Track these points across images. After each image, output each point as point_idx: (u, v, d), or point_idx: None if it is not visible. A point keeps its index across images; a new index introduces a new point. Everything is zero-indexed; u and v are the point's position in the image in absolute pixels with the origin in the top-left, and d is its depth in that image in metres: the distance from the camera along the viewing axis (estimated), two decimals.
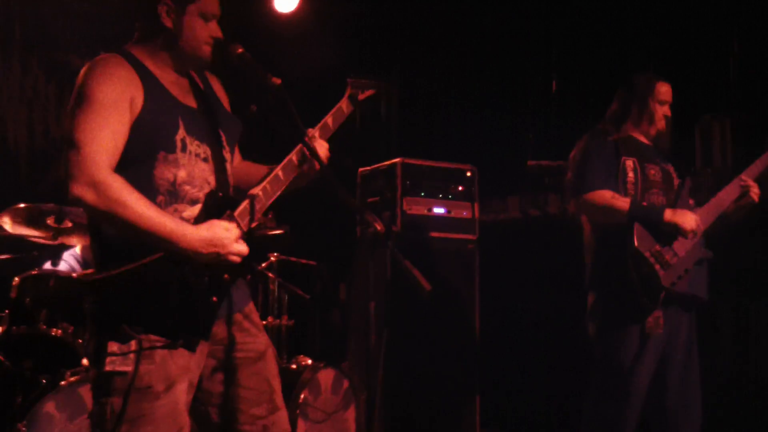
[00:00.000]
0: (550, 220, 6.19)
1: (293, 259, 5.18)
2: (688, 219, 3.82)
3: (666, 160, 4.08)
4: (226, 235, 2.54)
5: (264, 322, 4.88)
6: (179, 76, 2.77)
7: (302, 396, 4.64)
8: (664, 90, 4.04)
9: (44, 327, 4.21)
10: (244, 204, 2.65)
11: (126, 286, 2.45)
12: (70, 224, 4.56)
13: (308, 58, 6.50)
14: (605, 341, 3.92)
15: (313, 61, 6.44)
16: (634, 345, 3.81)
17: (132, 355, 2.46)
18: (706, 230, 3.92)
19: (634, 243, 3.76)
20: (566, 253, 4.62)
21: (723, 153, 5.56)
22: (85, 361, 4.07)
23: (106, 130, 2.49)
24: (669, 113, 4.06)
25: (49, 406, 3.76)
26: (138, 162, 2.56)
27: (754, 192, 3.96)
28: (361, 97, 3.03)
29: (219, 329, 2.70)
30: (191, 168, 2.65)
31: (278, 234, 4.74)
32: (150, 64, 2.69)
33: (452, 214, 5.63)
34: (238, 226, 2.60)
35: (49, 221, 4.54)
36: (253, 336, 2.81)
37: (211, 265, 2.54)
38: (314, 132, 2.86)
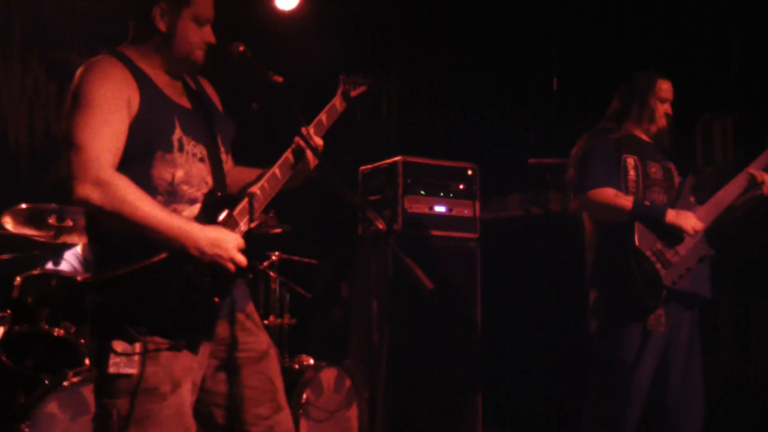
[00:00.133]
0: (551, 218, 6.18)
1: (295, 257, 5.18)
2: (690, 221, 3.81)
3: (667, 158, 4.08)
4: (230, 240, 2.54)
5: (266, 322, 4.89)
6: (172, 78, 2.77)
7: (305, 395, 4.65)
8: (665, 87, 4.04)
9: (46, 326, 4.22)
10: (243, 203, 2.65)
11: (129, 286, 2.45)
12: (71, 223, 4.56)
13: (308, 56, 6.50)
14: (606, 339, 3.92)
15: (314, 59, 6.43)
16: (635, 343, 3.81)
17: (137, 357, 2.46)
18: (709, 227, 3.91)
19: (635, 241, 3.76)
20: (568, 251, 4.63)
21: (724, 151, 5.56)
22: (88, 362, 4.08)
23: (106, 129, 2.50)
24: (670, 111, 4.06)
25: (52, 406, 3.77)
26: (136, 162, 2.57)
27: (767, 187, 3.94)
28: (353, 94, 3.05)
29: (221, 329, 2.70)
30: (189, 168, 2.66)
31: (278, 233, 4.75)
32: (144, 66, 2.69)
33: (453, 213, 5.63)
34: (239, 231, 2.60)
35: (51, 220, 4.55)
36: (255, 335, 2.82)
37: (213, 266, 2.54)
38: (309, 129, 2.86)
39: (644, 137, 4.05)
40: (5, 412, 3.85)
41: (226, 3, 2.79)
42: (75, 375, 3.89)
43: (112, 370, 2.46)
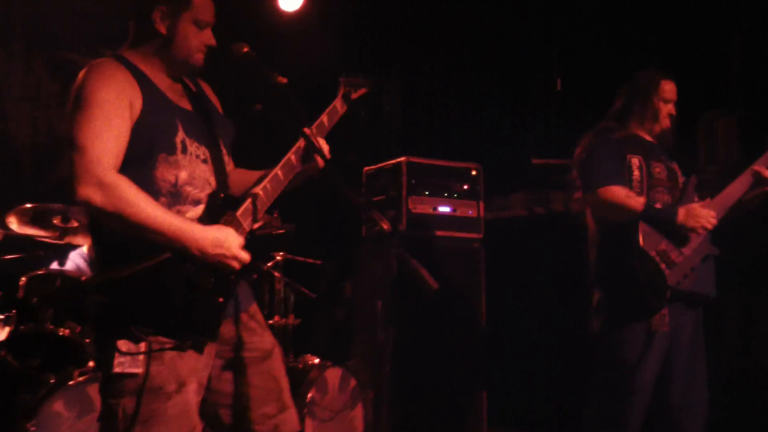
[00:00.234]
0: (554, 218, 6.19)
1: (299, 258, 5.19)
2: (700, 219, 3.80)
3: (671, 158, 4.08)
4: (232, 239, 2.55)
5: (270, 322, 4.89)
6: (173, 80, 2.78)
7: (310, 395, 4.65)
8: (668, 88, 4.04)
9: (51, 326, 4.23)
10: (246, 204, 2.66)
11: (133, 287, 2.45)
12: (76, 224, 4.57)
13: (310, 56, 6.51)
14: (610, 338, 3.92)
15: (316, 59, 6.44)
16: (638, 343, 3.80)
17: (142, 357, 2.47)
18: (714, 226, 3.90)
19: (639, 242, 3.76)
20: (571, 250, 4.63)
21: (727, 150, 5.56)
22: (92, 362, 4.09)
23: (109, 131, 2.50)
24: (674, 111, 4.05)
25: (58, 405, 3.78)
26: (139, 164, 2.57)
27: None
28: (354, 96, 3.06)
29: (226, 329, 2.71)
30: (192, 169, 2.67)
31: (282, 233, 4.76)
32: (145, 68, 2.70)
33: (457, 213, 5.63)
34: (242, 230, 2.61)
35: (56, 221, 4.55)
36: (259, 335, 2.83)
37: (216, 266, 2.55)
38: (311, 131, 2.87)
39: (648, 137, 4.05)
40: (11, 411, 3.86)
41: (229, 3, 2.79)
42: (80, 374, 3.90)
43: (117, 369, 2.47)
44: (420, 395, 5.26)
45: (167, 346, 2.50)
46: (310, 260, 5.29)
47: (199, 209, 2.63)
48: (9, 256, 4.52)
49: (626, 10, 6.18)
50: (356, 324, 5.91)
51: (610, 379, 3.90)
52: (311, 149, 2.76)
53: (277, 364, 2.86)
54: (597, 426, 3.92)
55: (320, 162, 2.79)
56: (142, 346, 2.47)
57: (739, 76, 5.68)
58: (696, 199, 3.96)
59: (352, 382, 4.95)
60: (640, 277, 3.74)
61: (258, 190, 2.69)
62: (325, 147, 2.85)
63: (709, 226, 3.81)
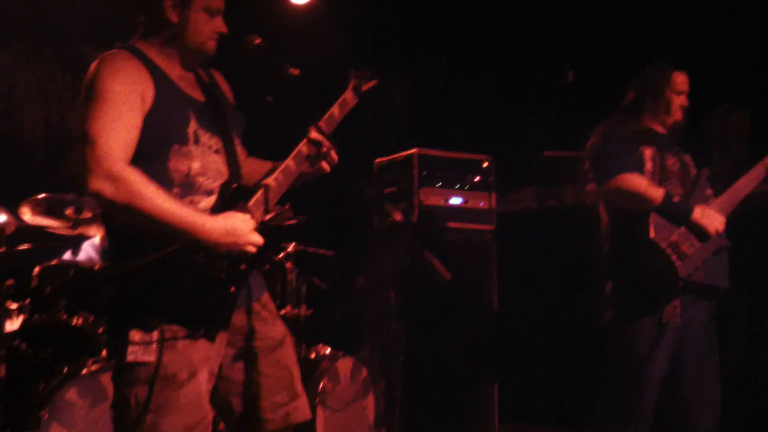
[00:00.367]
0: (566, 211, 6.18)
1: (310, 249, 5.20)
2: (714, 222, 3.79)
3: (683, 150, 4.07)
4: (242, 226, 2.56)
5: (283, 312, 4.91)
6: (185, 70, 2.78)
7: (321, 384, 4.67)
8: (680, 80, 4.02)
9: (65, 316, 4.25)
10: (258, 194, 2.67)
11: (146, 277, 2.47)
12: (89, 215, 4.58)
13: (320, 49, 6.51)
14: (621, 330, 3.91)
15: (326, 52, 6.44)
16: (650, 334, 3.79)
17: (154, 346, 2.49)
18: (727, 218, 3.89)
19: (650, 234, 3.75)
20: (582, 243, 4.63)
21: (740, 143, 5.54)
22: (106, 351, 4.12)
23: (120, 124, 2.51)
24: (686, 103, 4.04)
25: (71, 394, 3.80)
26: (152, 155, 2.58)
27: None
28: (364, 88, 3.07)
29: (238, 318, 2.73)
30: (205, 160, 2.67)
31: (294, 224, 4.77)
32: (157, 59, 2.71)
33: (469, 205, 5.63)
34: (252, 216, 2.62)
35: (69, 212, 4.56)
36: (271, 324, 2.84)
37: (229, 255, 2.56)
38: (322, 123, 2.87)
39: (660, 129, 4.04)
40: (25, 400, 3.88)
41: None
42: (93, 363, 3.92)
43: (130, 358, 2.49)
44: (431, 386, 5.27)
45: (179, 334, 2.52)
46: (321, 251, 5.30)
47: (212, 199, 2.64)
48: (22, 247, 4.54)
49: (638, 2, 6.16)
50: (367, 315, 5.92)
51: (621, 371, 3.89)
52: (324, 141, 2.77)
53: (289, 354, 2.88)
54: (607, 419, 3.92)
55: (333, 153, 2.80)
56: (155, 335, 2.49)
57: (752, 70, 5.65)
58: (709, 192, 3.95)
59: (364, 373, 4.97)
60: (651, 269, 3.74)
61: (269, 181, 2.70)
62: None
63: (713, 233, 3.80)
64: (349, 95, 3.02)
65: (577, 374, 5.64)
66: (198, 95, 2.77)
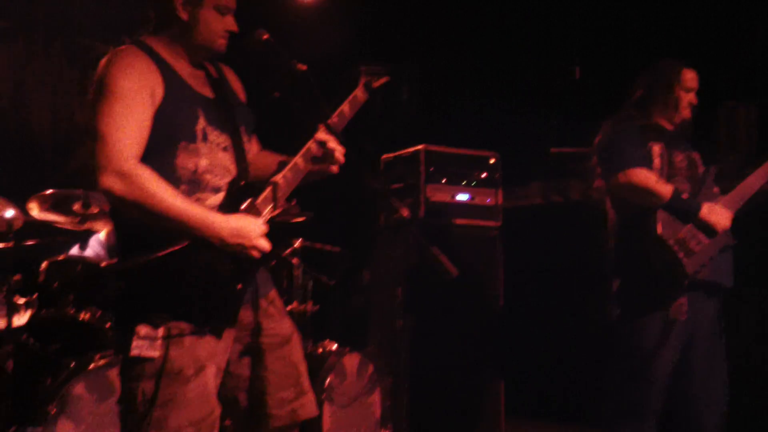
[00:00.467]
0: (572, 207, 6.18)
1: (317, 245, 5.20)
2: (722, 220, 3.79)
3: (692, 147, 4.06)
4: (253, 228, 2.57)
5: (289, 308, 4.91)
6: (194, 67, 2.78)
7: (328, 380, 4.67)
8: (689, 76, 4.00)
9: (72, 311, 4.26)
10: (266, 192, 2.67)
11: (153, 274, 2.48)
12: (96, 210, 4.58)
13: (328, 44, 6.50)
14: (628, 327, 3.91)
15: (333, 47, 6.43)
16: (656, 331, 3.79)
17: (159, 341, 2.50)
18: (734, 216, 3.88)
19: (657, 230, 3.74)
20: (588, 239, 4.62)
21: (748, 139, 5.53)
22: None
23: (130, 120, 2.52)
24: (695, 100, 4.02)
25: (79, 388, 3.80)
26: (160, 152, 2.59)
27: None
28: (375, 84, 3.05)
29: (245, 315, 2.73)
30: (212, 157, 2.67)
31: (300, 220, 4.77)
32: (167, 56, 2.71)
33: (475, 201, 5.63)
34: (263, 218, 2.62)
35: (76, 207, 4.57)
36: (278, 321, 2.84)
37: (236, 255, 2.56)
38: (332, 120, 2.87)
39: (668, 126, 4.03)
40: (32, 394, 3.89)
41: None
42: (101, 358, 3.93)
43: (134, 353, 2.50)
44: (437, 382, 5.27)
45: (186, 331, 2.53)
46: (328, 247, 5.30)
47: (219, 197, 2.65)
48: (30, 242, 4.55)
49: None
50: (374, 311, 5.92)
51: (628, 368, 3.89)
52: (332, 136, 2.76)
53: (296, 350, 2.88)
54: (615, 415, 3.91)
55: (340, 149, 2.79)
56: (161, 331, 2.50)
57: (761, 65, 5.64)
58: (715, 190, 3.94)
59: (370, 369, 4.97)
60: (658, 266, 3.73)
61: (278, 178, 2.70)
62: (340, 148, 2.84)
63: (721, 230, 3.79)
64: (359, 92, 3.00)
65: (583, 370, 5.65)
66: (207, 92, 2.77)
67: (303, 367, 2.89)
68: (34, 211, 4.52)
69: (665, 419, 3.91)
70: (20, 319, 4.30)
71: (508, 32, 6.99)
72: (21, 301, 4.36)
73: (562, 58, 6.86)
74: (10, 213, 4.23)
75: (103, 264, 4.48)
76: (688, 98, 4.00)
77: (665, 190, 3.77)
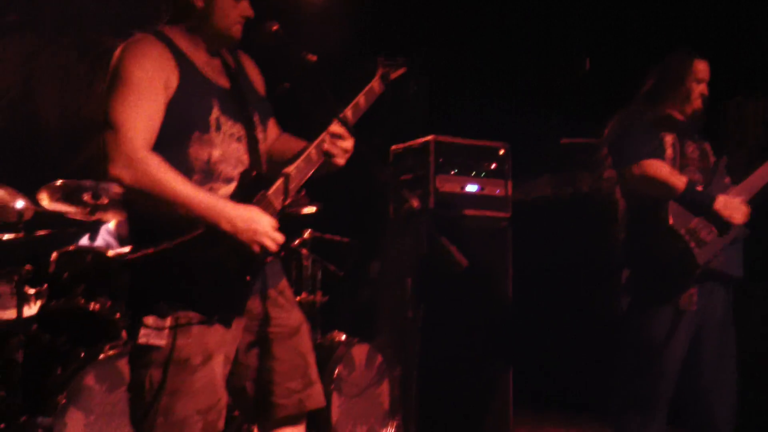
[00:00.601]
0: (582, 198, 6.17)
1: (326, 235, 5.21)
2: (737, 214, 3.77)
3: (703, 138, 4.04)
4: (266, 220, 2.56)
5: (298, 299, 4.92)
6: (211, 56, 2.78)
7: (336, 371, 4.69)
8: (701, 68, 3.99)
9: (82, 301, 4.27)
10: (278, 183, 2.66)
11: (163, 264, 2.48)
12: (106, 200, 4.60)
13: (337, 34, 6.50)
14: (638, 318, 3.90)
15: (342, 38, 6.43)
16: (667, 322, 3.78)
17: (167, 330, 2.50)
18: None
19: (669, 220, 3.74)
20: (598, 230, 4.62)
21: (756, 134, 5.51)
22: (124, 335, 4.14)
23: (141, 110, 2.52)
24: (706, 91, 4.00)
25: (89, 379, 3.82)
26: (173, 142, 2.59)
27: None
28: (392, 75, 3.04)
29: (254, 305, 2.73)
30: (226, 147, 2.67)
31: (309, 212, 4.77)
32: (183, 45, 2.70)
33: (485, 192, 5.62)
34: (272, 208, 2.62)
35: (86, 197, 4.58)
36: (288, 311, 2.84)
37: (247, 245, 2.56)
38: (347, 111, 2.86)
39: (680, 117, 4.01)
40: (42, 385, 3.91)
41: None
42: (111, 348, 3.94)
43: (141, 341, 2.51)
44: (446, 373, 5.27)
45: (193, 320, 2.53)
46: (337, 238, 5.31)
47: (231, 187, 2.64)
48: (40, 233, 4.56)
49: None
50: (383, 302, 5.93)
51: (637, 359, 3.88)
52: (343, 128, 2.75)
53: (305, 340, 2.88)
54: (624, 406, 3.91)
55: (350, 140, 2.77)
56: (168, 320, 2.51)
57: None
58: (727, 181, 3.93)
59: (379, 359, 4.98)
60: (669, 256, 3.72)
61: (291, 169, 2.69)
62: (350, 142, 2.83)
63: (737, 222, 3.78)
64: (376, 83, 2.98)
65: (592, 362, 5.64)
66: (223, 82, 2.77)
67: (311, 358, 2.89)
68: (45, 201, 4.53)
69: (675, 410, 3.91)
70: (30, 310, 4.32)
71: (518, 23, 6.97)
72: (31, 291, 4.39)
73: (573, 49, 6.84)
74: (20, 204, 4.25)
75: (110, 253, 4.49)
76: (699, 89, 3.98)
77: (679, 181, 3.76)
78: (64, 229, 4.77)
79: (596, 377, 5.31)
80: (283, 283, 2.88)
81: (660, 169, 3.77)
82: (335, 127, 2.75)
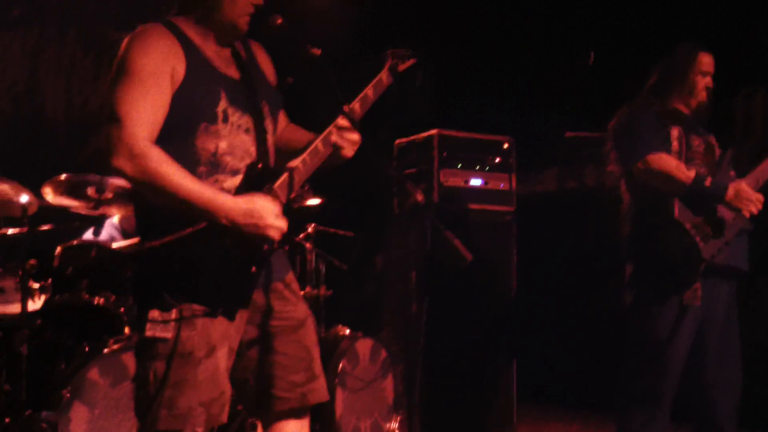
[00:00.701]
0: (587, 192, 6.16)
1: (330, 229, 5.20)
2: (750, 205, 3.76)
3: (708, 131, 4.03)
4: (266, 208, 2.55)
5: (302, 292, 4.92)
6: (221, 46, 2.76)
7: (341, 365, 4.69)
8: (706, 61, 3.98)
9: (86, 296, 4.27)
10: (284, 177, 2.66)
11: (167, 256, 2.49)
12: (110, 195, 4.59)
13: (343, 28, 6.49)
14: (642, 313, 3.90)
15: (347, 32, 6.42)
16: (671, 317, 3.78)
17: (172, 323, 2.51)
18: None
19: (674, 214, 3.73)
20: (603, 224, 4.61)
21: (764, 126, 5.50)
22: (128, 330, 4.14)
23: (145, 102, 2.51)
24: (711, 84, 4.00)
25: (93, 373, 3.82)
26: (180, 133, 2.58)
27: None
28: (401, 67, 3.01)
29: (259, 297, 2.73)
30: (232, 139, 2.66)
31: (314, 205, 4.76)
32: (192, 35, 2.69)
33: (489, 186, 5.61)
34: (278, 200, 2.62)
35: (90, 192, 4.57)
36: (293, 305, 2.83)
37: (251, 237, 2.56)
38: (355, 104, 2.85)
39: (685, 110, 4.00)
40: (47, 379, 3.91)
41: None
42: (115, 342, 3.94)
43: (148, 333, 2.51)
44: (450, 368, 5.27)
45: (198, 313, 2.53)
46: (341, 232, 5.30)
47: (237, 179, 2.63)
48: (44, 227, 4.56)
49: None
50: (387, 296, 5.93)
51: (642, 354, 3.88)
52: (349, 122, 2.74)
53: (309, 334, 2.87)
54: (628, 401, 3.91)
55: (355, 135, 2.76)
56: (173, 312, 2.51)
57: None
58: (732, 174, 3.92)
59: (383, 354, 4.98)
60: (674, 251, 3.72)
61: (296, 162, 2.69)
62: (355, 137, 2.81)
63: (755, 211, 3.77)
64: (384, 75, 2.95)
65: (596, 357, 5.64)
66: (232, 72, 2.75)
67: (316, 352, 2.88)
68: (49, 195, 4.53)
69: (680, 404, 3.91)
70: (35, 304, 4.32)
71: (523, 17, 6.96)
72: (35, 286, 4.38)
73: (577, 42, 6.83)
74: (24, 198, 4.24)
75: (115, 245, 4.49)
76: (704, 82, 3.98)
77: (686, 175, 3.74)
78: (69, 223, 4.76)
79: (600, 372, 5.31)
80: (290, 276, 2.88)
81: (667, 162, 3.76)
82: (342, 120, 2.74)
